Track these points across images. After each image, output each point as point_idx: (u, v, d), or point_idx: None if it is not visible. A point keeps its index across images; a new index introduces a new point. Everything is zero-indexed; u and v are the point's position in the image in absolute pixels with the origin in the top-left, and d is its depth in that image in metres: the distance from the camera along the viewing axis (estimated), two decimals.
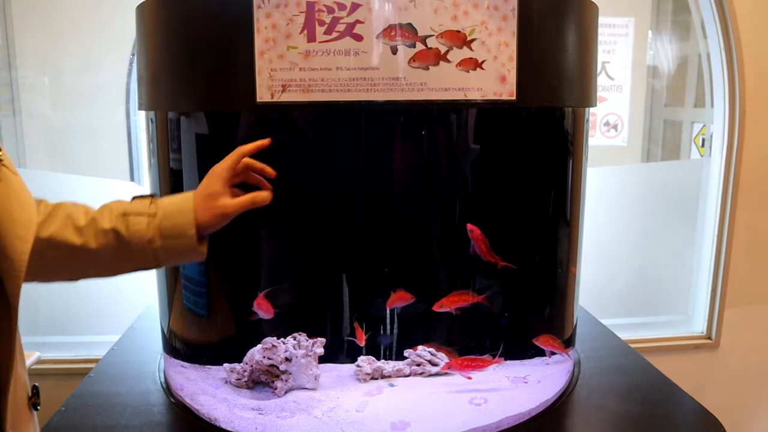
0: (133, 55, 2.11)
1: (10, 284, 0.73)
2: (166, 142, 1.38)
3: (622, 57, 2.41)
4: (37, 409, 0.83)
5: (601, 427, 1.35)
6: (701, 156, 2.49)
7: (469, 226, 1.28)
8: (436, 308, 1.31)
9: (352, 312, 1.35)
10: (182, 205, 0.91)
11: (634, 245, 2.48)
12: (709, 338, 2.41)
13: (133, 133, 2.34)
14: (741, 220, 2.29)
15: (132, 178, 2.34)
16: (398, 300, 1.31)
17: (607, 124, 2.46)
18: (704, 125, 2.49)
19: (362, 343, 1.35)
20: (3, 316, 0.73)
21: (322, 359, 1.35)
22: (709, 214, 2.37)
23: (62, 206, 0.88)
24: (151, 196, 0.93)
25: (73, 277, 0.91)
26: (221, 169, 0.93)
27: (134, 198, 0.92)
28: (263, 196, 0.94)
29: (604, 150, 2.49)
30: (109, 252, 0.87)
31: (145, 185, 2.26)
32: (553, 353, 1.40)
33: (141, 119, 2.24)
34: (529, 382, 1.38)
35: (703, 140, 2.48)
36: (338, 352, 1.39)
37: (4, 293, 0.73)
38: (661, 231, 2.48)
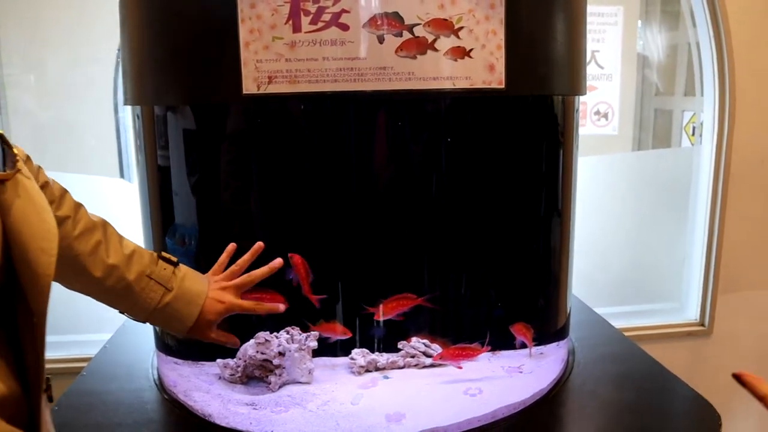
0: (119, 49, 2.09)
1: (35, 301, 0.68)
2: (152, 137, 1.37)
3: (612, 46, 2.41)
4: (51, 401, 0.82)
5: (596, 415, 1.35)
6: (692, 144, 2.50)
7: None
8: (377, 317, 1.30)
9: (345, 305, 1.34)
10: (196, 297, 1.03)
11: (626, 234, 2.49)
12: (702, 325, 2.42)
13: (121, 129, 2.31)
14: (732, 207, 2.29)
15: (122, 175, 2.32)
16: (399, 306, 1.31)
17: (597, 113, 2.46)
18: (694, 113, 2.49)
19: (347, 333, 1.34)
20: (27, 328, 0.70)
21: (316, 353, 1.35)
22: (700, 202, 2.37)
23: (98, 227, 0.98)
24: (176, 264, 1.04)
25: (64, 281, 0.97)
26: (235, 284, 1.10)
27: (160, 257, 1.03)
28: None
29: (595, 139, 2.49)
30: (112, 294, 0.99)
31: (134, 182, 2.24)
32: (523, 345, 1.40)
33: (128, 115, 2.22)
34: (523, 372, 1.38)
35: (694, 128, 2.49)
36: (332, 345, 1.38)
37: (29, 308, 0.69)
38: (653, 219, 2.48)
